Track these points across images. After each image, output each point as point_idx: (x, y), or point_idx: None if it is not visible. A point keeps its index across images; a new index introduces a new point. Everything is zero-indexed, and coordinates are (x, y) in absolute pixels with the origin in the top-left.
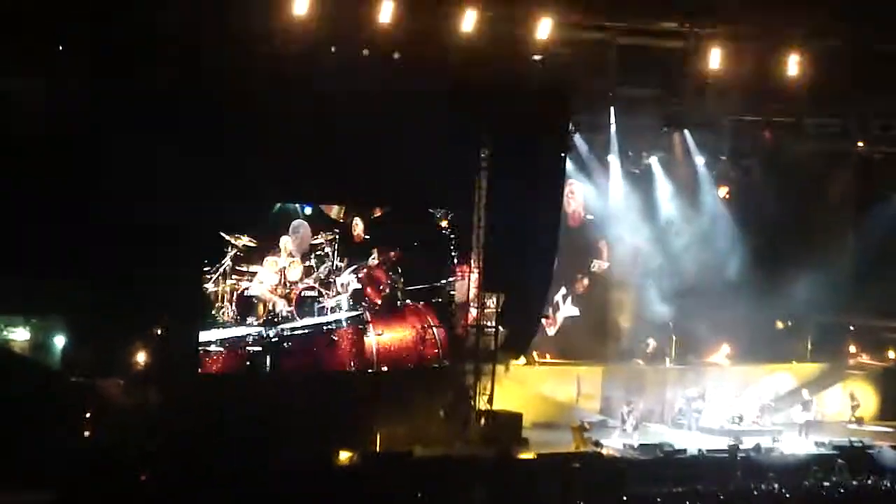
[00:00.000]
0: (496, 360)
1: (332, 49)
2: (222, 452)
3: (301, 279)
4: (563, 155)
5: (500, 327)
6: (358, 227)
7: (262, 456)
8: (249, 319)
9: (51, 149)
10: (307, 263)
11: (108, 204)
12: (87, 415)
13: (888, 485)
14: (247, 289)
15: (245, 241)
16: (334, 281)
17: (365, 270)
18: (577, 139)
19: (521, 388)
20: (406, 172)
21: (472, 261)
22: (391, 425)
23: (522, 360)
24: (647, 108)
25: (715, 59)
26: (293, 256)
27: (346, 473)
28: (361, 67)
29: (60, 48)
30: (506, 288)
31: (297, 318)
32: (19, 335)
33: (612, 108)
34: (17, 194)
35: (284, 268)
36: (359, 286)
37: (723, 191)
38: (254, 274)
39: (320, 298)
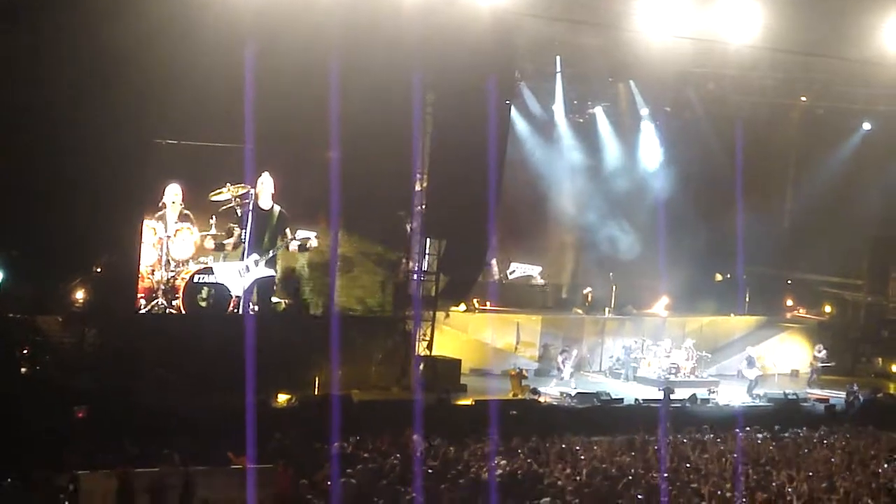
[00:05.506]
0: (436, 307)
1: None
2: (159, 391)
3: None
4: (507, 102)
5: (440, 274)
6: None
7: (200, 396)
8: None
9: None
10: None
11: (47, 140)
12: (24, 351)
13: (820, 435)
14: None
15: None
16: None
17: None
18: (523, 86)
19: (460, 335)
20: (349, 120)
21: (413, 207)
22: (330, 369)
23: (462, 307)
24: (593, 58)
25: (664, 10)
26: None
27: (283, 415)
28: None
29: None
30: (447, 234)
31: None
32: None
33: (558, 57)
34: None
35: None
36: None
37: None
38: None
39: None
